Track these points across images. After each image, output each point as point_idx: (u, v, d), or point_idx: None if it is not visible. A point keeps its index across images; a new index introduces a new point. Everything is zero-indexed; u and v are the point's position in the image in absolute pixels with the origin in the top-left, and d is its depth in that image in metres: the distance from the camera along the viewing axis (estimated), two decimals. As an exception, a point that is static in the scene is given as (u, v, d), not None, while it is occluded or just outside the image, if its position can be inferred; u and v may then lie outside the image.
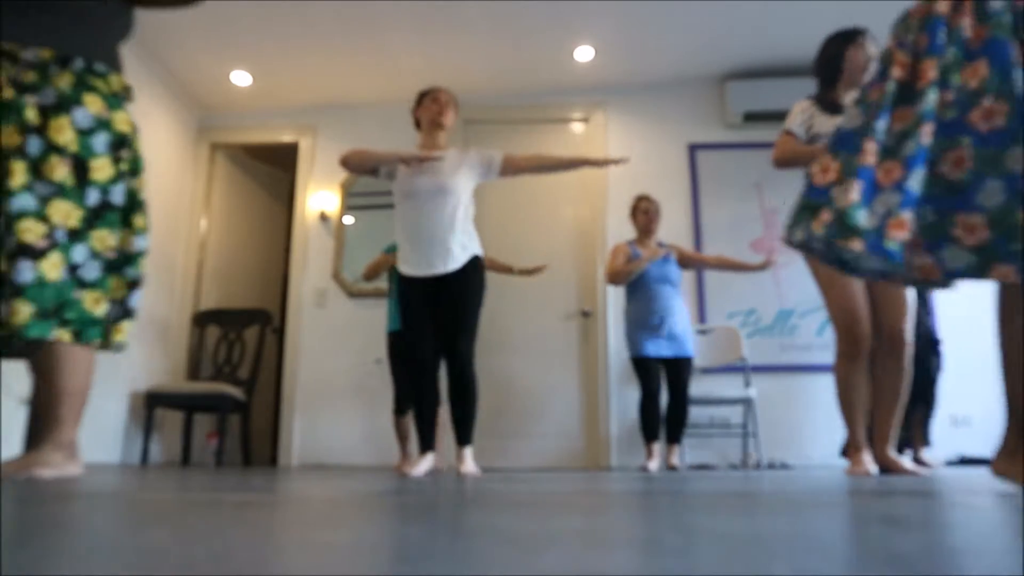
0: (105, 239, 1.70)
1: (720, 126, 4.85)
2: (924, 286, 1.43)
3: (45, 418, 1.71)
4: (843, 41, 2.74)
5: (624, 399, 4.45)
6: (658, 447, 3.66)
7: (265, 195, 5.81)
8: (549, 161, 3.05)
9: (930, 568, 0.45)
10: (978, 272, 1.22)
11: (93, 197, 1.68)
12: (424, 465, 2.73)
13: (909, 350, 2.59)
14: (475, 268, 2.83)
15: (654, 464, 3.62)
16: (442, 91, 2.99)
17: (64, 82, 1.66)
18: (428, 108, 2.95)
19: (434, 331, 2.80)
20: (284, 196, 5.82)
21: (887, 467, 2.53)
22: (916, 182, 1.29)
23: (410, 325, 2.81)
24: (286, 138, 5.17)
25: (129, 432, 4.31)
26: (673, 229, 4.62)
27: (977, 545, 0.58)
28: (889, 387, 2.58)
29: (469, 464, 2.73)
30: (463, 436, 2.77)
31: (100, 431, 4.05)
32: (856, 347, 2.56)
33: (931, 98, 1.32)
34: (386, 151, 2.92)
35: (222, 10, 4.09)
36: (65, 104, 1.64)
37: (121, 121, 1.75)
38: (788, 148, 2.74)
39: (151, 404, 4.21)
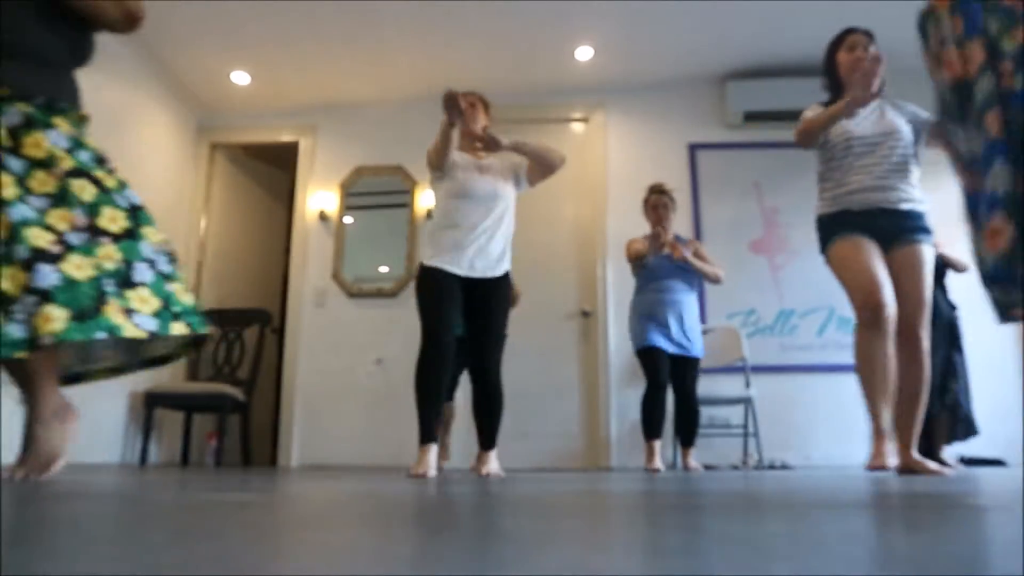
0: (154, 234, 1.75)
1: (720, 126, 4.85)
2: None
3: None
4: (832, 47, 2.73)
5: (624, 399, 4.44)
6: (659, 446, 3.47)
7: (265, 195, 5.81)
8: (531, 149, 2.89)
9: (931, 569, 0.44)
10: None
11: (123, 201, 1.72)
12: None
13: (925, 346, 2.49)
14: (508, 281, 2.87)
15: (658, 463, 3.39)
16: (468, 95, 2.89)
17: (30, 108, 1.69)
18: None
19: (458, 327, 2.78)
20: (284, 196, 5.82)
21: (910, 468, 2.42)
22: (1000, 181, 1.14)
23: (439, 314, 2.68)
24: (286, 138, 5.17)
25: (129, 432, 4.31)
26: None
27: (977, 546, 0.58)
28: (907, 384, 2.47)
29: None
30: (487, 441, 2.77)
31: (100, 431, 4.05)
32: (874, 313, 2.39)
33: (984, 85, 1.22)
34: (443, 131, 2.70)
35: (222, 10, 4.09)
36: (36, 123, 1.67)
37: (92, 142, 1.80)
38: (806, 120, 2.64)
39: (150, 404, 4.21)
